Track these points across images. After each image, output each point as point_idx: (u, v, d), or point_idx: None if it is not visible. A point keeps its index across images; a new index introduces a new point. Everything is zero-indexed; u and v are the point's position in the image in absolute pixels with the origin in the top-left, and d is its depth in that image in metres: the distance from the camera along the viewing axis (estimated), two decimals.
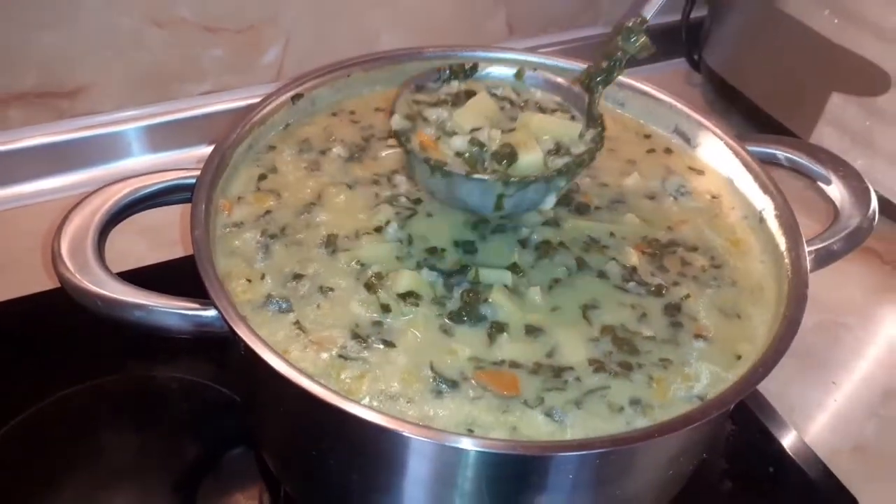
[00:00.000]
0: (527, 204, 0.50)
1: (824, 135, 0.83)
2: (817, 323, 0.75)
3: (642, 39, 0.52)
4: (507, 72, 0.57)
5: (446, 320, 0.47)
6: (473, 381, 0.44)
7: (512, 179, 0.48)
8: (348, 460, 0.44)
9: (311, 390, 0.39)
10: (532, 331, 0.47)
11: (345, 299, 0.48)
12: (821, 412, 0.66)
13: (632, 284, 0.50)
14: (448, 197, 0.51)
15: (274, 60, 0.81)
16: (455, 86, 0.55)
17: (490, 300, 0.48)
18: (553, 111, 0.55)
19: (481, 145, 0.50)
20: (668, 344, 0.47)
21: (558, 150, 0.51)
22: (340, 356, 0.44)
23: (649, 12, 0.53)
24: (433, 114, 0.53)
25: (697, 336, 0.48)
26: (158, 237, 0.70)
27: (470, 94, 0.54)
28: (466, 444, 0.39)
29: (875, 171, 0.80)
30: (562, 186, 0.50)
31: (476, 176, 0.48)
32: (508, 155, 0.50)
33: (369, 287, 0.48)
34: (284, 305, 0.47)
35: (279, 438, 0.51)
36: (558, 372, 0.45)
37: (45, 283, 0.66)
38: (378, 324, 0.46)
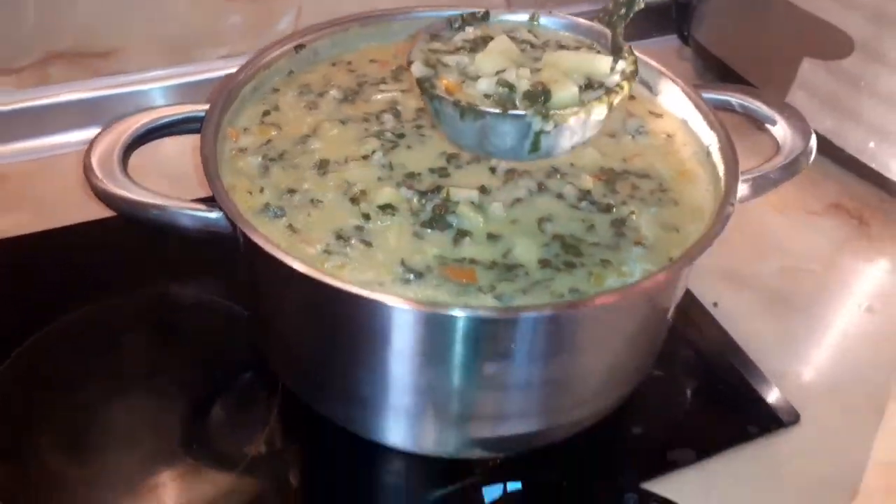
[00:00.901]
0: (564, 142, 0.50)
1: (797, 98, 0.89)
2: (782, 267, 0.81)
3: None
4: (521, 17, 0.58)
5: (418, 227, 0.54)
6: (437, 273, 0.51)
7: (553, 112, 0.48)
8: (332, 336, 0.52)
9: (298, 268, 0.47)
10: (492, 237, 0.54)
11: (331, 209, 0.55)
12: (776, 342, 0.72)
13: (584, 203, 0.57)
14: (479, 144, 0.50)
15: (286, 27, 0.89)
16: (470, 32, 0.55)
17: (457, 212, 0.55)
18: (576, 48, 0.55)
19: (510, 86, 0.50)
20: (610, 249, 0.54)
21: (591, 85, 0.51)
22: (325, 251, 0.52)
23: None
24: (452, 60, 0.53)
25: (637, 243, 0.54)
26: (181, 183, 0.79)
27: (487, 39, 0.55)
28: (436, 309, 0.47)
29: (843, 130, 0.86)
30: (602, 119, 0.50)
31: (513, 112, 0.48)
32: (542, 93, 0.49)
33: (353, 200, 0.56)
34: (279, 212, 0.54)
35: (277, 330, 0.59)
36: (511, 268, 0.52)
37: (78, 217, 0.76)
38: (359, 228, 0.54)
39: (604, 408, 0.58)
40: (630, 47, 0.54)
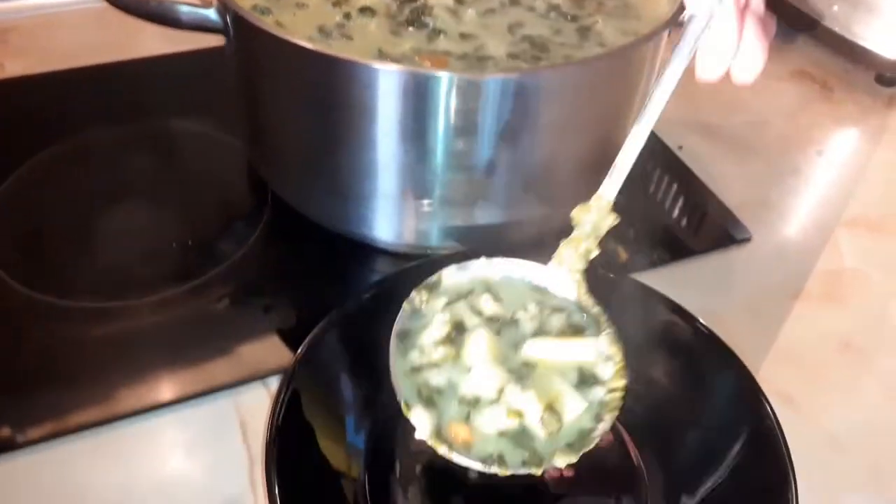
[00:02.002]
0: None
1: None
2: (745, 121, 0.86)
3: (611, 218, 0.49)
4: (475, 269, 0.52)
5: (396, 26, 0.59)
6: (412, 60, 0.56)
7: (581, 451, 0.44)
8: (320, 118, 0.56)
9: (287, 38, 0.51)
10: (464, 36, 0.58)
11: (315, 10, 0.60)
12: (735, 179, 0.77)
13: (553, 14, 0.62)
14: None
15: None
16: (438, 324, 0.48)
17: (433, 14, 0.59)
18: (550, 313, 0.49)
19: (519, 414, 0.45)
20: (574, 48, 0.58)
21: (584, 380, 0.47)
22: (308, 40, 0.56)
23: (610, 192, 0.49)
24: (442, 379, 0.46)
25: (600, 45, 0.59)
26: None
27: (458, 326, 0.48)
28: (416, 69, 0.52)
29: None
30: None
31: (549, 465, 0.44)
32: (556, 420, 0.45)
33: (336, 4, 0.60)
34: (266, 11, 0.59)
35: (268, 128, 0.63)
36: (482, 59, 0.56)
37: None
38: (341, 25, 0.58)
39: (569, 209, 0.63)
40: (603, 314, 0.49)
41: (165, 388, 0.55)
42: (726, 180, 0.76)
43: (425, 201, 0.58)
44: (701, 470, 0.51)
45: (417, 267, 0.55)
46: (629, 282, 0.58)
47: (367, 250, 0.65)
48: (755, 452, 0.50)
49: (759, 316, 0.65)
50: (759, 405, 0.51)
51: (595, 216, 0.49)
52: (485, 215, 0.60)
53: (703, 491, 0.50)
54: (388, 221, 0.61)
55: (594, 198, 0.49)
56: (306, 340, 0.52)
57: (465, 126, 0.53)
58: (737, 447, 0.50)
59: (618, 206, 0.50)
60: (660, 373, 0.54)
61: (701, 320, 0.55)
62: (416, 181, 0.57)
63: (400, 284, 0.54)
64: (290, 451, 0.47)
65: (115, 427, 0.54)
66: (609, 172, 0.48)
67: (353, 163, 0.58)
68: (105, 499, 0.50)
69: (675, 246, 0.69)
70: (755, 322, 0.65)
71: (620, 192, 0.49)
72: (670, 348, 0.55)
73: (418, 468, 0.52)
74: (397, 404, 0.46)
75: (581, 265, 0.50)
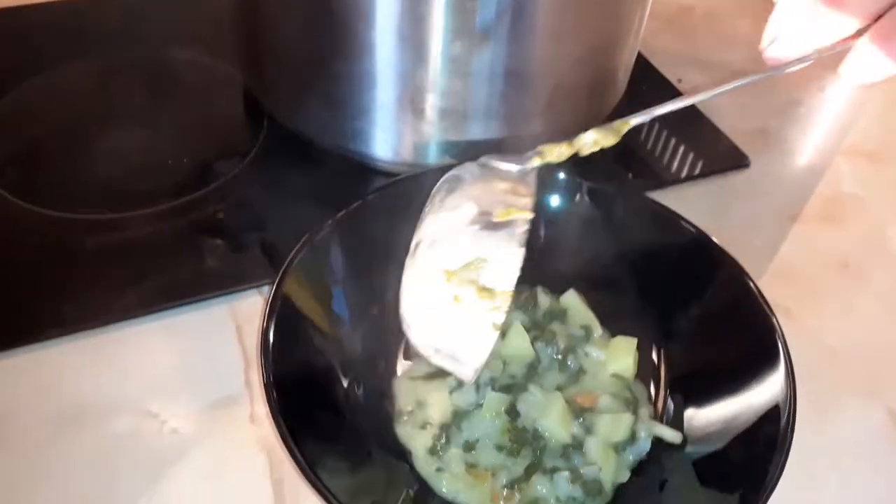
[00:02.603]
0: None
1: None
2: (746, 57, 0.85)
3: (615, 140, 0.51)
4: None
5: None
6: None
7: None
8: (318, 28, 0.56)
9: None
10: None
11: None
12: (735, 111, 0.76)
13: None
14: None
15: None
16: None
17: None
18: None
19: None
20: None
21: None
22: None
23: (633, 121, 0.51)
24: (474, 430, 0.49)
25: None
26: None
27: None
28: None
29: None
30: None
31: None
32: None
33: None
34: None
35: (267, 43, 0.63)
36: None
37: None
38: None
39: (569, 126, 0.63)
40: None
41: (160, 294, 0.55)
42: (725, 111, 0.76)
43: (424, 108, 0.58)
44: (702, 376, 0.51)
45: (409, 178, 0.55)
46: (628, 190, 0.58)
47: (363, 170, 0.64)
48: (755, 356, 0.50)
49: (757, 236, 0.65)
50: (759, 309, 0.51)
51: (603, 136, 0.50)
52: (483, 129, 0.60)
53: (700, 396, 0.50)
54: (385, 135, 0.61)
55: (619, 122, 0.50)
56: (299, 244, 0.51)
57: (464, 27, 0.53)
58: (736, 350, 0.50)
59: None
60: (665, 284, 0.54)
61: (700, 228, 0.55)
62: (414, 89, 0.57)
63: (391, 195, 0.54)
64: (283, 351, 0.47)
65: (111, 331, 0.53)
66: (641, 112, 0.51)
67: (352, 72, 0.57)
68: (101, 400, 0.50)
69: (673, 171, 0.69)
70: (753, 242, 0.64)
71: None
72: (669, 255, 0.54)
73: (411, 373, 0.52)
74: (393, 312, 0.48)
75: (553, 159, 0.51)
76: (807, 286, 0.61)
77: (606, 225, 0.56)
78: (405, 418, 0.49)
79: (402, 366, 0.52)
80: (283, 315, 0.48)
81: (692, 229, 0.54)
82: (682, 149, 0.72)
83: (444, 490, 0.46)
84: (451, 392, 0.49)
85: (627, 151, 0.70)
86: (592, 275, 0.56)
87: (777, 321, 0.49)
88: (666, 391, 0.52)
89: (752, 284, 0.51)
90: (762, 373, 0.48)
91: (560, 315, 0.54)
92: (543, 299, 0.55)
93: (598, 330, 0.54)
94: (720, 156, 0.71)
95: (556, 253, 0.57)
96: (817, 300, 0.61)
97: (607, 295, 0.56)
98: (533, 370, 0.51)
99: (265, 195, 0.64)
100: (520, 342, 0.51)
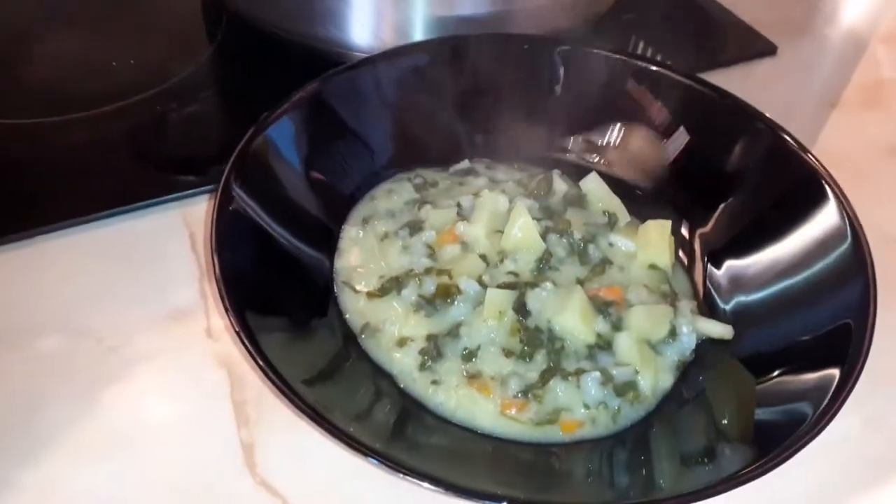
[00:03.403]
0: None
1: None
2: None
3: None
4: None
5: None
6: None
7: None
8: None
9: None
10: None
11: None
12: (760, 7, 0.68)
13: None
14: None
15: None
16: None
17: None
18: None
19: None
20: None
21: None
22: None
23: None
24: (474, 337, 0.40)
25: None
26: None
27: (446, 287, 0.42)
28: None
29: None
30: None
31: None
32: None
33: None
34: None
35: None
36: None
37: None
38: None
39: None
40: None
41: (102, 200, 0.46)
42: (746, 3, 0.68)
43: None
44: (748, 245, 0.43)
45: (354, 66, 0.46)
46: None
47: (333, 66, 0.56)
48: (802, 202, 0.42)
49: (793, 123, 0.56)
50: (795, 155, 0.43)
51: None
52: (473, 2, 0.51)
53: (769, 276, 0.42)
54: (361, 15, 0.52)
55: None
56: (248, 133, 0.42)
57: None
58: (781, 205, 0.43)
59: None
60: (694, 155, 0.46)
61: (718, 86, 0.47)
62: None
63: (336, 86, 0.46)
64: (235, 258, 0.38)
65: (46, 241, 0.45)
66: None
67: None
68: (24, 319, 0.42)
69: (698, 59, 0.60)
70: (790, 128, 0.56)
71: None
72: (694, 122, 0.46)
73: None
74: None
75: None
76: (855, 172, 0.53)
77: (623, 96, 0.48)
78: (369, 338, 0.40)
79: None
80: (235, 208, 0.39)
81: (712, 92, 0.46)
82: (701, 41, 0.63)
83: (440, 406, 0.38)
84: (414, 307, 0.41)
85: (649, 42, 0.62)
86: (617, 157, 0.48)
87: (818, 161, 0.42)
88: (707, 278, 0.43)
89: (783, 134, 0.44)
90: (812, 212, 0.41)
91: (579, 201, 0.46)
92: (560, 184, 0.46)
93: (625, 217, 0.46)
94: (744, 44, 0.63)
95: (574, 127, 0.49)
96: (867, 186, 0.52)
97: (634, 177, 0.48)
98: (545, 264, 0.43)
99: (221, 95, 0.55)
100: (526, 233, 0.43)
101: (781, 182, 0.44)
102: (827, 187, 0.41)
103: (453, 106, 0.48)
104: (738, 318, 0.41)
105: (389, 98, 0.47)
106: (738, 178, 0.45)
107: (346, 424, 0.33)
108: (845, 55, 0.64)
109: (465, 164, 0.49)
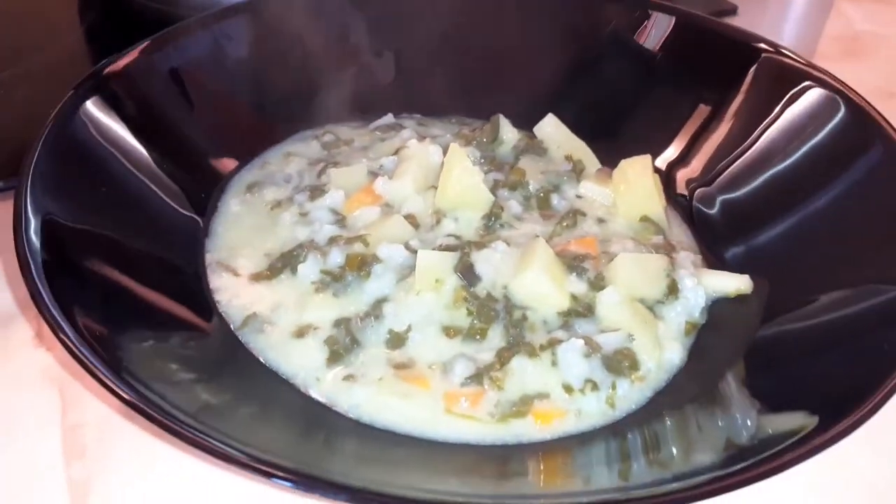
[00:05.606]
0: None
1: None
2: None
3: None
4: None
5: None
6: None
7: None
8: None
9: None
10: None
11: None
12: None
13: None
14: None
15: None
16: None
17: None
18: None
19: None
20: None
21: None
22: None
23: None
24: (402, 315, 0.30)
25: None
26: None
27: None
28: None
29: None
30: None
31: None
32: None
33: None
34: None
35: None
36: None
37: None
38: None
39: None
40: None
41: None
42: None
43: None
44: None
45: (182, 26, 0.37)
46: None
47: None
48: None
49: None
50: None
51: None
52: None
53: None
54: None
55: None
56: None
57: None
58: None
59: None
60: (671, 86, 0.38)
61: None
62: None
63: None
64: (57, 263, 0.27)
65: None
66: None
67: None
68: None
69: None
70: None
71: None
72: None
73: None
74: None
75: None
76: None
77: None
78: (255, 333, 0.30)
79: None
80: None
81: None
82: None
83: (356, 409, 0.27)
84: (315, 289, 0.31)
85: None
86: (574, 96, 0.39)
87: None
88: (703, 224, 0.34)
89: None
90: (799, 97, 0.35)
91: (534, 148, 0.36)
92: (509, 131, 0.37)
93: (594, 163, 0.36)
94: (704, 4, 0.56)
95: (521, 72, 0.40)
96: None
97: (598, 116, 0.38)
98: (494, 221, 0.33)
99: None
100: (466, 182, 0.33)
101: (759, 86, 0.36)
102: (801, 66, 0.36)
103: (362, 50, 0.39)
104: (752, 266, 0.31)
105: (278, 43, 0.38)
106: (709, 91, 0.37)
107: (233, 448, 0.22)
108: (808, 13, 0.58)
109: (388, 118, 0.39)
